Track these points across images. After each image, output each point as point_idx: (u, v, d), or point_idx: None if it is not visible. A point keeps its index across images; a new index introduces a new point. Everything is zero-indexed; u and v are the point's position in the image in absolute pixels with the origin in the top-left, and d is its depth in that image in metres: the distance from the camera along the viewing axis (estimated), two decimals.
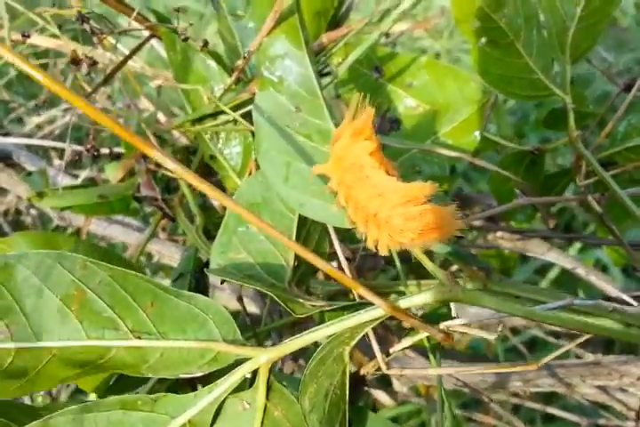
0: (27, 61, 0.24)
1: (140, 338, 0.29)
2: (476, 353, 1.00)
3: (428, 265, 0.31)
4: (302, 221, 0.37)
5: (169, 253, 0.68)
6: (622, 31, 1.46)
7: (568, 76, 0.52)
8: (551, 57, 0.52)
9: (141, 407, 0.29)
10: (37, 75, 0.23)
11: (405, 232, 0.28)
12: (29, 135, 0.86)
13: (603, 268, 1.08)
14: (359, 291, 0.29)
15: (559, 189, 0.62)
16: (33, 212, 0.96)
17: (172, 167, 0.25)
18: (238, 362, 0.30)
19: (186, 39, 0.44)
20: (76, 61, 0.47)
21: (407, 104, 0.58)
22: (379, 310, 0.30)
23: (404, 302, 0.30)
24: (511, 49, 0.51)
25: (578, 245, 1.08)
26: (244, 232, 0.37)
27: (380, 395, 0.72)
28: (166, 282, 0.83)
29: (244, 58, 0.44)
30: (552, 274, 1.06)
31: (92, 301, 0.29)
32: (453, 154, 0.51)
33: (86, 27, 0.42)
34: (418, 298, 0.30)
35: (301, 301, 0.33)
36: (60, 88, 0.24)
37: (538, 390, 0.59)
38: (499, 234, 0.61)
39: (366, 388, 0.54)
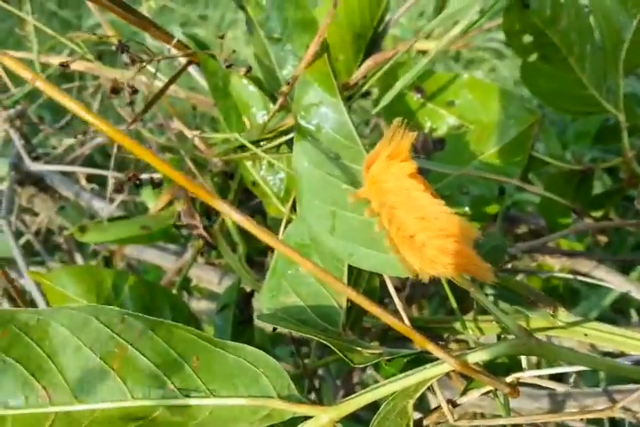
0: (65, 95, 0.23)
1: (188, 396, 0.27)
2: None
3: (498, 315, 0.29)
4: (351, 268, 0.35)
5: (207, 278, 0.67)
6: None
7: (621, 91, 0.50)
8: (604, 72, 0.50)
9: None
10: (81, 112, 0.22)
11: (436, 264, 0.27)
12: (61, 157, 0.85)
13: None
14: (426, 346, 0.27)
15: (608, 208, 0.60)
16: (65, 232, 0.95)
17: (238, 219, 0.23)
18: (295, 419, 0.28)
19: (229, 66, 0.43)
20: (116, 90, 0.46)
21: (450, 123, 0.56)
22: (446, 365, 0.28)
23: (472, 357, 0.29)
24: (563, 64, 0.49)
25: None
26: (293, 275, 0.36)
27: None
28: (203, 303, 0.82)
29: (288, 84, 0.43)
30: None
31: (134, 357, 0.27)
32: (498, 178, 0.49)
33: (126, 56, 0.41)
34: (487, 352, 0.29)
35: (359, 349, 0.31)
36: (103, 125, 0.22)
37: (594, 416, 0.56)
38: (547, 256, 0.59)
39: None
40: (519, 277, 0.58)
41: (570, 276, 0.53)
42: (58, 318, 0.27)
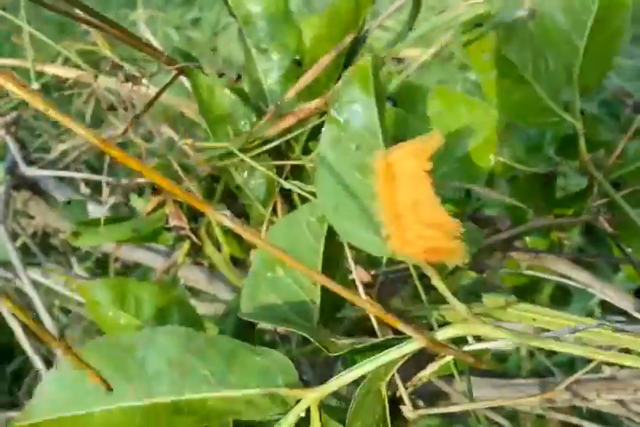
0: (53, 107, 0.26)
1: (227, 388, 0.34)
2: (506, 369, 1.02)
3: (451, 299, 0.33)
4: (326, 265, 0.40)
5: (194, 277, 0.70)
6: None
7: (577, 104, 0.54)
8: (559, 88, 0.54)
9: None
10: (69, 123, 0.25)
11: (414, 246, 0.31)
12: (57, 161, 0.88)
13: None
14: (397, 325, 0.31)
15: (576, 210, 0.64)
16: (61, 235, 0.98)
17: (231, 226, 0.27)
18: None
19: (221, 75, 0.46)
20: (113, 108, 0.50)
21: (420, 131, 0.60)
22: (411, 344, 0.32)
23: (438, 335, 0.32)
24: (521, 79, 0.53)
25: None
26: (271, 277, 0.40)
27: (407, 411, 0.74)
28: (193, 302, 0.86)
29: (277, 105, 0.47)
30: None
31: (191, 362, 0.35)
32: (466, 186, 0.53)
33: (121, 75, 0.44)
34: (449, 332, 0.32)
35: (333, 340, 0.35)
36: (91, 135, 0.25)
37: (555, 405, 0.60)
38: (514, 253, 0.63)
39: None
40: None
41: (531, 272, 0.57)
42: (144, 342, 0.35)
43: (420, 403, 0.41)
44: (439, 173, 0.58)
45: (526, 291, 0.73)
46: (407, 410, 0.37)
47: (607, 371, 0.62)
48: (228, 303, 0.53)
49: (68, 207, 0.55)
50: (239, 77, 0.49)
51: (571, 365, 1.03)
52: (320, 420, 0.33)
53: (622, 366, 0.78)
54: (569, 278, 0.63)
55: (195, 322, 0.47)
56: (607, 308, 1.07)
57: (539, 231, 0.64)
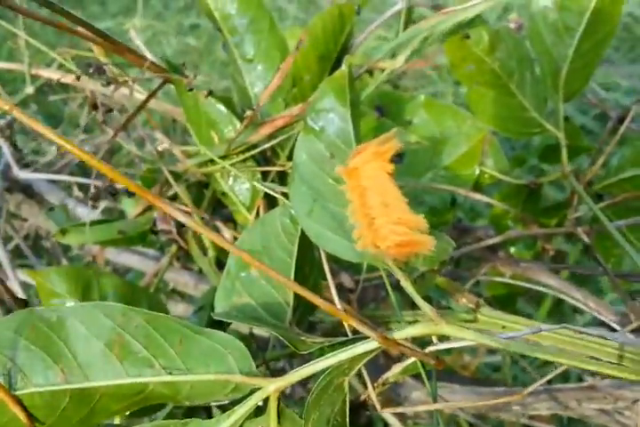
0: (37, 122, 0.27)
1: (171, 373, 0.33)
2: (487, 376, 1.02)
3: (417, 300, 0.34)
4: (300, 266, 0.40)
5: (183, 281, 0.71)
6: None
7: (561, 114, 0.55)
8: (544, 96, 0.55)
9: None
10: (60, 141, 0.26)
11: (386, 241, 0.32)
12: (49, 165, 0.89)
13: None
14: (352, 323, 0.32)
15: (559, 220, 0.64)
16: (51, 237, 0.99)
17: (183, 220, 0.28)
18: (254, 391, 0.33)
19: (190, 90, 0.48)
20: (95, 106, 0.50)
21: (408, 140, 0.61)
22: (373, 342, 0.33)
23: (396, 335, 0.33)
24: (505, 89, 0.54)
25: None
26: (245, 277, 0.41)
27: (389, 418, 0.74)
28: (182, 305, 0.86)
29: (253, 109, 0.47)
30: None
31: (130, 343, 0.33)
32: (450, 188, 0.54)
33: (102, 77, 0.45)
34: (408, 331, 0.33)
35: (303, 338, 0.36)
36: (71, 146, 0.26)
37: (537, 413, 0.61)
38: (497, 263, 0.64)
39: (368, 412, 0.57)
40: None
41: (510, 280, 0.57)
42: (73, 314, 0.33)
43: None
44: (424, 179, 0.59)
45: (509, 301, 0.73)
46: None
47: (588, 380, 0.63)
48: (199, 299, 0.53)
49: (52, 213, 0.55)
50: (210, 93, 0.50)
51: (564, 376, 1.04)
52: (278, 410, 0.33)
53: (603, 376, 0.79)
54: (550, 289, 0.64)
55: None
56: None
57: (524, 241, 0.65)
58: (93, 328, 0.33)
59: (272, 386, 0.33)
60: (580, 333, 0.34)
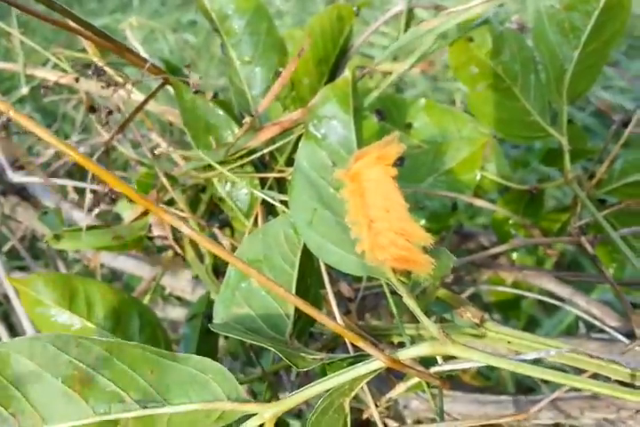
0: (34, 124, 0.26)
1: (145, 407, 0.30)
2: (486, 376, 1.01)
3: (422, 318, 0.33)
4: (301, 276, 0.39)
5: (180, 286, 0.70)
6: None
7: (565, 117, 0.54)
8: (548, 99, 0.54)
9: None
10: (56, 143, 0.25)
11: (384, 252, 0.31)
12: (45, 165, 0.88)
13: None
14: (357, 343, 0.30)
15: (562, 225, 0.63)
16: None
17: (187, 232, 0.26)
18: (245, 417, 0.31)
19: (196, 92, 0.46)
20: (93, 109, 0.49)
21: (408, 143, 0.60)
22: (377, 362, 0.31)
23: (401, 355, 0.32)
24: (508, 93, 0.53)
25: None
26: (245, 288, 0.39)
27: None
28: (179, 310, 0.85)
29: (252, 115, 0.46)
30: None
31: (93, 377, 0.30)
32: (451, 194, 0.53)
33: (101, 79, 0.44)
34: (413, 351, 0.32)
35: (303, 355, 0.35)
36: (69, 149, 0.25)
37: (540, 422, 0.60)
38: (499, 269, 0.63)
39: None
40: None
41: (509, 289, 0.56)
42: (16, 348, 0.29)
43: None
44: (425, 183, 0.58)
45: (512, 305, 0.72)
46: None
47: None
48: (191, 307, 0.52)
49: (45, 217, 0.54)
50: (216, 95, 0.49)
51: None
52: None
53: None
54: (553, 295, 0.63)
55: (156, 328, 0.45)
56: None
57: (526, 247, 0.64)
58: (45, 364, 0.29)
59: (268, 412, 0.31)
60: (591, 357, 0.33)
